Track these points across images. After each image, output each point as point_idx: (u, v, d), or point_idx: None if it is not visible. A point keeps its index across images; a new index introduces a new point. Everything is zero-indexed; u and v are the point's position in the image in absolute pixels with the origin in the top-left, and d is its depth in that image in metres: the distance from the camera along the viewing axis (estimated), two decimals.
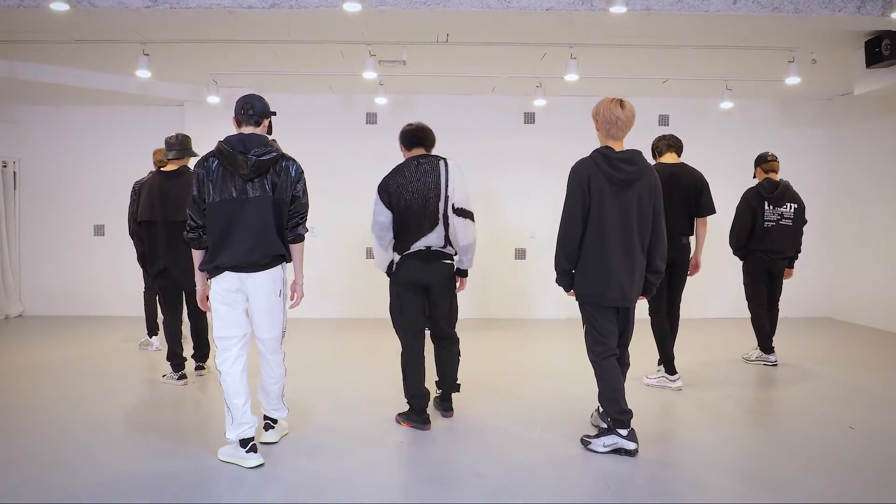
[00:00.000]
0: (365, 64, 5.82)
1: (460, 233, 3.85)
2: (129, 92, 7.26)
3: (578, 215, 3.47)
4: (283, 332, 3.58)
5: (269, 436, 3.66)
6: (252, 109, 3.36)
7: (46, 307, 8.22)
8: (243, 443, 3.33)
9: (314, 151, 7.56)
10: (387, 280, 4.04)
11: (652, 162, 4.65)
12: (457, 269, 4.01)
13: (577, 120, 7.80)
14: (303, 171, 3.45)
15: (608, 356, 3.55)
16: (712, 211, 4.86)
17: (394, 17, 5.10)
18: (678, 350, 4.95)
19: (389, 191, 3.84)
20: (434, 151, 4.06)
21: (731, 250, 5.78)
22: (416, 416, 3.95)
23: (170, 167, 4.99)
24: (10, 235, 8.13)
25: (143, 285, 6.15)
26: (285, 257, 3.46)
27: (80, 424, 4.01)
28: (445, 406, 4.17)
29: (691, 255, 4.97)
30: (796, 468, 3.42)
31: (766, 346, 5.66)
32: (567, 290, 3.64)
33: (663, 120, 8.09)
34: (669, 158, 4.94)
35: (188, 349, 5.18)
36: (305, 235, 3.52)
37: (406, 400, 4.00)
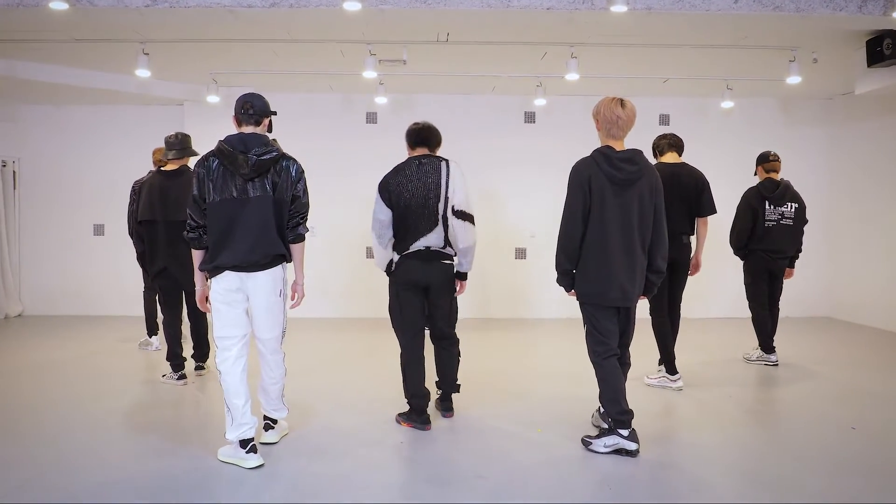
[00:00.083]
0: (365, 63, 5.81)
1: (459, 235, 3.84)
2: (129, 91, 7.25)
3: (579, 215, 3.47)
4: (283, 332, 3.57)
5: (269, 436, 3.65)
6: (252, 109, 3.36)
7: (46, 307, 8.21)
8: (243, 443, 3.32)
9: (314, 151, 7.56)
10: (387, 280, 4.03)
11: (653, 161, 4.64)
12: (456, 271, 3.99)
13: (577, 119, 7.79)
14: (303, 171, 3.44)
15: (609, 356, 3.54)
16: (713, 211, 4.85)
17: (394, 16, 5.09)
18: (679, 350, 4.94)
19: (390, 189, 3.83)
20: (437, 152, 4.04)
21: (731, 250, 5.77)
22: (416, 416, 3.94)
23: (170, 166, 4.98)
24: (10, 235, 8.12)
25: (143, 285, 6.14)
26: (286, 257, 3.45)
27: (80, 424, 4.00)
28: (446, 406, 4.16)
29: (692, 255, 4.96)
30: (798, 468, 3.41)
31: (767, 345, 5.65)
32: (568, 290, 3.63)
33: (664, 119, 8.08)
34: (670, 158, 4.93)
35: (188, 349, 5.18)
36: (306, 235, 3.51)
37: (406, 400, 3.99)
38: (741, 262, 5.78)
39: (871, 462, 3.50)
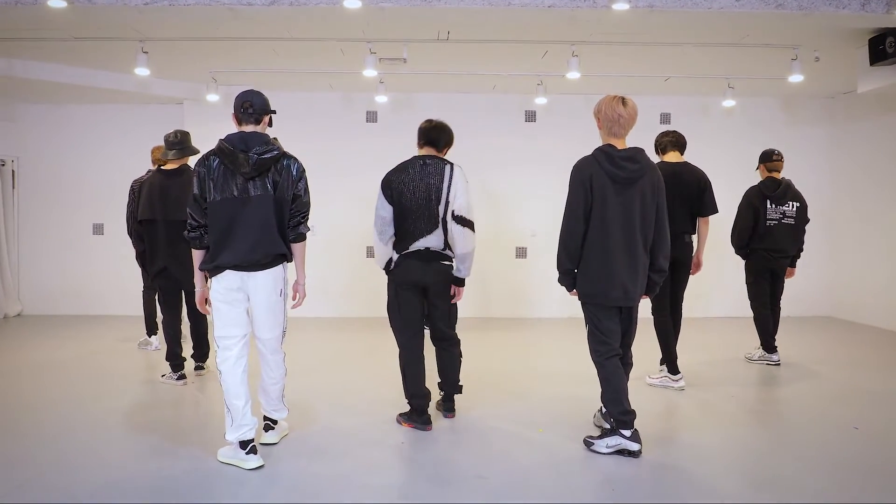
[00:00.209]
0: (365, 62, 5.79)
1: (458, 241, 3.81)
2: (129, 90, 7.23)
3: (580, 214, 3.45)
4: (283, 332, 3.55)
5: (269, 437, 3.63)
6: (252, 107, 3.33)
7: (45, 306, 8.19)
8: (243, 444, 3.30)
9: (314, 150, 7.53)
10: (387, 279, 4.01)
11: (656, 159, 4.62)
12: (453, 276, 3.94)
13: (578, 118, 7.77)
14: (304, 170, 3.42)
15: (611, 356, 3.52)
16: (715, 210, 4.83)
17: (394, 15, 5.07)
18: (680, 349, 4.92)
19: (392, 186, 3.81)
20: (447, 152, 4.01)
21: (731, 249, 5.75)
22: (416, 416, 3.92)
23: (170, 166, 4.96)
24: (9, 234, 8.11)
25: (142, 284, 6.12)
26: (287, 256, 3.43)
27: (80, 424, 3.99)
28: (447, 407, 4.14)
29: (693, 254, 4.94)
30: (799, 468, 3.39)
31: (768, 345, 5.64)
32: (569, 290, 3.61)
33: (665, 118, 8.06)
34: (672, 157, 4.91)
35: (188, 349, 5.16)
36: (307, 234, 3.49)
37: (406, 400, 3.97)
38: (742, 262, 5.76)
39: (873, 462, 3.48)
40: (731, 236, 5.67)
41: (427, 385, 3.97)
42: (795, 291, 7.11)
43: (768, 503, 3.00)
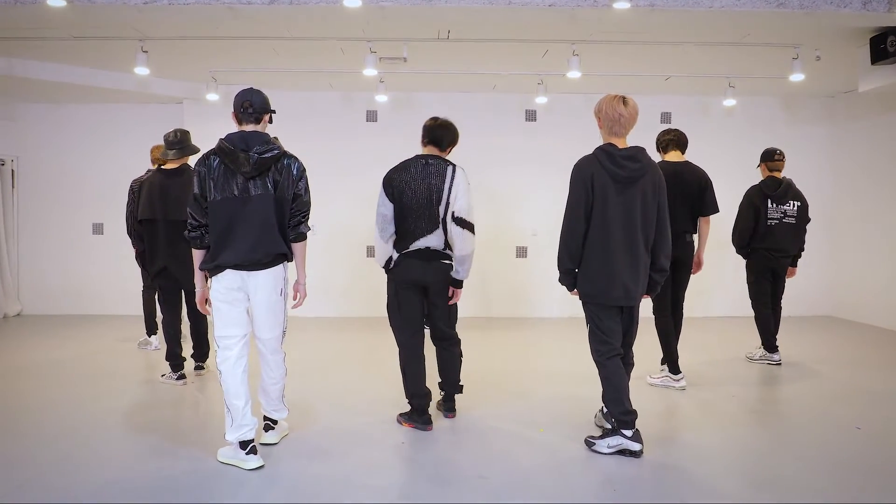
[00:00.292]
0: (365, 61, 5.78)
1: (457, 243, 3.80)
2: (128, 89, 7.22)
3: (581, 213, 3.44)
4: (283, 331, 3.54)
5: (270, 437, 3.62)
6: (252, 107, 3.32)
7: (45, 306, 8.18)
8: (243, 444, 3.29)
9: (314, 149, 7.52)
10: (387, 278, 4.00)
11: (657, 158, 4.60)
12: (452, 277, 3.91)
13: (578, 117, 7.76)
14: (304, 169, 3.41)
15: (612, 356, 3.51)
16: (716, 210, 4.82)
17: (395, 14, 5.06)
18: (681, 349, 4.91)
19: (393, 185, 3.80)
20: (450, 151, 3.99)
21: (732, 248, 5.74)
22: (417, 416, 3.91)
23: (170, 165, 4.94)
24: (9, 234, 8.09)
25: (142, 284, 6.11)
26: (287, 256, 3.42)
27: (80, 424, 3.98)
28: (448, 407, 4.13)
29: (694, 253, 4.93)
30: (801, 468, 3.38)
31: (769, 344, 5.63)
32: (570, 290, 3.60)
33: (665, 117, 8.04)
34: (673, 156, 4.90)
35: (188, 349, 5.14)
36: (307, 234, 3.48)
37: (407, 400, 3.96)
38: (742, 261, 5.76)
39: (874, 462, 3.47)
40: (732, 236, 5.66)
41: (427, 385, 3.96)
42: (796, 291, 7.10)
43: (769, 503, 2.98)
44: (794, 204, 5.53)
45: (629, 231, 3.43)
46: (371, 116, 8.08)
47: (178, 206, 4.67)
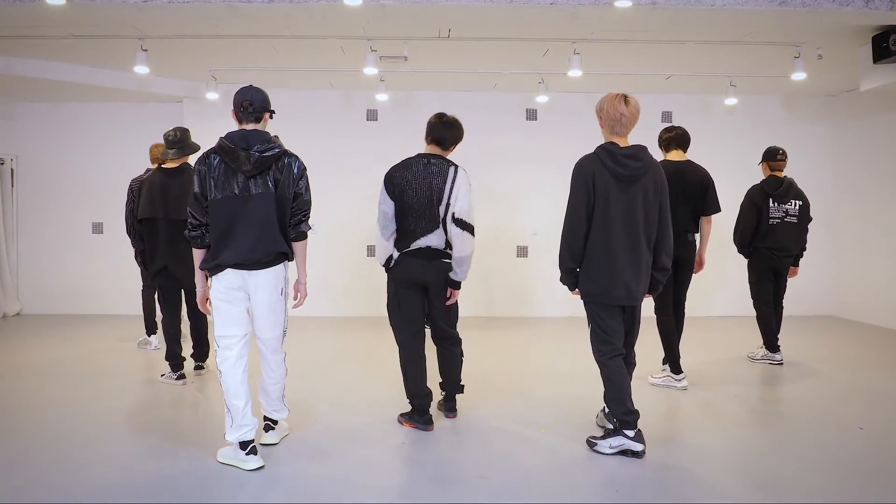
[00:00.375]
0: (366, 60, 5.76)
1: (456, 243, 3.77)
2: (128, 88, 7.20)
3: (583, 212, 3.42)
4: (284, 331, 3.52)
5: (270, 437, 3.61)
6: (252, 106, 3.30)
7: (44, 305, 8.16)
8: (243, 445, 3.28)
9: (314, 148, 7.49)
10: (387, 278, 3.98)
11: (659, 155, 4.59)
12: (450, 278, 3.88)
13: (579, 116, 7.74)
14: (305, 168, 3.39)
15: (614, 356, 3.49)
16: (718, 209, 4.80)
17: (395, 12, 5.04)
18: (682, 349, 4.89)
19: (394, 182, 3.78)
20: (454, 149, 3.97)
21: (733, 247, 5.73)
22: (418, 416, 3.90)
23: (170, 164, 4.92)
24: (8, 233, 8.07)
25: (142, 284, 6.09)
26: (288, 255, 3.40)
27: (79, 424, 3.96)
28: (449, 407, 4.11)
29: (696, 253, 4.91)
30: (803, 468, 3.37)
31: (771, 344, 5.61)
32: (572, 289, 3.58)
33: (666, 116, 8.02)
34: (675, 155, 4.88)
35: (187, 348, 5.12)
36: (308, 233, 3.46)
37: (408, 400, 3.94)
38: (743, 260, 5.74)
39: (876, 462, 3.46)
40: (734, 235, 5.64)
41: (428, 385, 3.94)
42: (798, 290, 7.09)
43: (772, 503, 2.98)
44: (795, 203, 5.51)
45: (631, 230, 3.41)
46: (371, 115, 8.06)
47: (179, 206, 4.65)
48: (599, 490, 3.13)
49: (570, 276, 3.54)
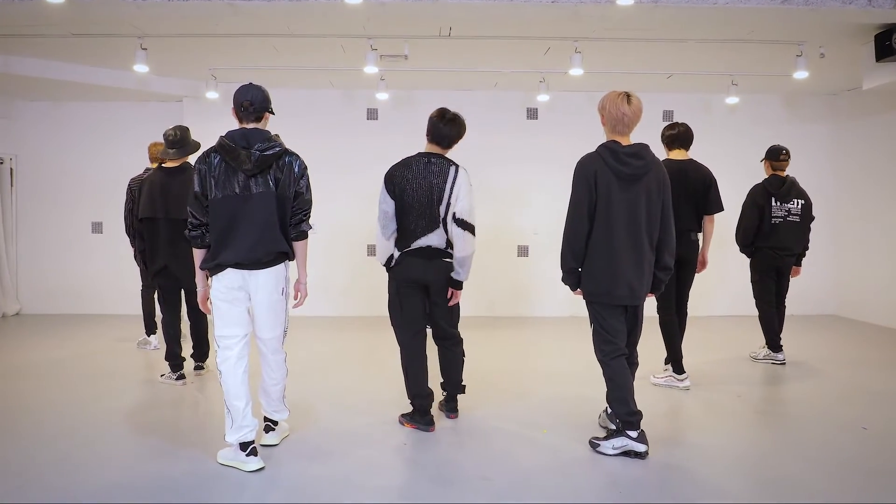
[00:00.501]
0: (366, 58, 5.74)
1: (457, 244, 3.75)
2: (128, 88, 7.18)
3: (584, 211, 3.39)
4: (284, 331, 3.50)
5: (270, 438, 3.59)
6: (252, 106, 3.27)
7: (44, 305, 8.14)
8: (243, 446, 3.26)
9: (314, 147, 7.44)
10: (387, 277, 3.95)
11: (661, 155, 4.56)
12: (451, 278, 3.85)
13: (580, 115, 7.73)
14: (306, 167, 3.37)
15: (617, 356, 3.46)
16: (720, 208, 4.77)
17: (395, 10, 5.01)
18: (684, 348, 4.87)
19: (395, 181, 3.76)
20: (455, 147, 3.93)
21: (734, 246, 5.71)
22: (419, 416, 3.88)
23: (171, 163, 4.89)
24: (7, 233, 8.05)
25: (141, 283, 6.06)
26: (289, 255, 3.38)
27: (79, 425, 3.94)
28: (450, 407, 4.09)
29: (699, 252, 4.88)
30: (806, 468, 3.35)
31: (774, 344, 5.59)
32: (573, 289, 3.56)
33: (667, 115, 8.00)
34: (678, 154, 4.86)
35: (187, 348, 5.10)
36: (309, 233, 3.43)
37: (409, 400, 3.92)
38: (745, 259, 5.72)
39: (879, 462, 3.44)
40: (736, 234, 5.62)
41: (429, 385, 3.92)
42: (800, 290, 7.06)
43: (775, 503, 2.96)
44: (797, 202, 5.49)
45: (633, 229, 3.39)
46: (372, 114, 8.03)
47: (179, 205, 4.63)
48: (602, 491, 3.11)
49: (572, 275, 3.52)
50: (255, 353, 3.44)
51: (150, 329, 6.09)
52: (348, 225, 7.86)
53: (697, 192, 4.72)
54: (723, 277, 7.72)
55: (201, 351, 5.11)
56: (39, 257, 8.18)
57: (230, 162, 3.21)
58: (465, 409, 4.18)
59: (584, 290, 3.52)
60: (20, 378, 5.11)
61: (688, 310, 4.91)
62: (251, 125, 3.29)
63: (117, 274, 7.88)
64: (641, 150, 3.43)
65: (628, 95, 3.43)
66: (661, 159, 4.15)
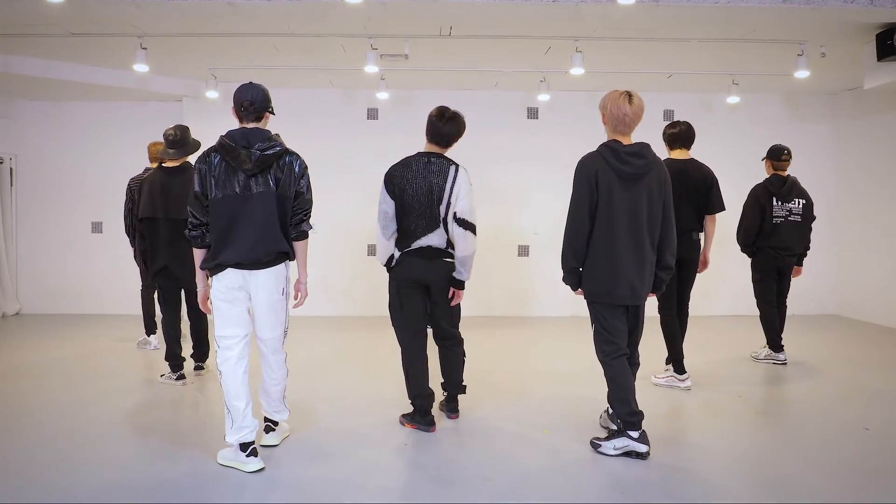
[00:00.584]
0: (366, 58, 5.73)
1: (459, 243, 3.73)
2: (127, 87, 7.17)
3: (585, 211, 3.38)
4: (285, 331, 3.48)
5: (270, 438, 3.57)
6: (252, 106, 3.26)
7: (44, 305, 8.13)
8: (243, 447, 3.24)
9: (314, 147, 7.43)
10: (388, 277, 3.94)
11: (663, 154, 4.55)
12: (453, 278, 3.83)
13: (580, 115, 7.72)
14: (307, 167, 3.36)
15: (618, 356, 3.45)
16: (722, 208, 4.76)
17: (396, 10, 5.01)
18: (685, 348, 4.85)
19: (394, 181, 3.75)
20: (454, 145, 3.92)
21: (733, 246, 5.70)
22: (420, 417, 3.86)
23: (171, 163, 4.88)
24: (7, 232, 8.04)
25: (141, 283, 6.05)
26: (289, 255, 3.37)
27: (79, 425, 3.93)
28: (451, 407, 4.08)
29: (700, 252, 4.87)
30: (808, 468, 3.34)
31: (775, 344, 5.58)
32: (574, 289, 3.55)
33: (668, 115, 7.99)
34: (679, 154, 4.85)
35: (187, 348, 5.09)
36: (309, 232, 3.42)
37: (410, 401, 3.91)
38: (745, 259, 5.71)
39: (880, 462, 3.43)
40: (737, 234, 5.61)
41: (430, 385, 3.91)
42: (801, 289, 7.05)
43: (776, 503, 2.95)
44: (799, 202, 5.48)
45: (635, 228, 3.38)
46: (372, 114, 8.02)
47: (179, 205, 4.62)
48: (604, 491, 3.10)
49: (573, 275, 3.51)
50: (256, 353, 3.43)
51: (150, 329, 6.08)
52: (348, 225, 7.85)
53: (699, 191, 4.71)
54: (724, 277, 7.71)
55: (201, 351, 5.10)
56: (39, 257, 8.17)
57: (230, 161, 3.19)
58: (465, 410, 4.17)
59: (585, 290, 3.51)
60: (20, 378, 5.10)
61: (689, 310, 4.90)
62: (251, 125, 3.28)
63: (117, 274, 7.87)
64: (643, 149, 3.42)
65: (630, 95, 3.41)
66: (663, 159, 4.15)
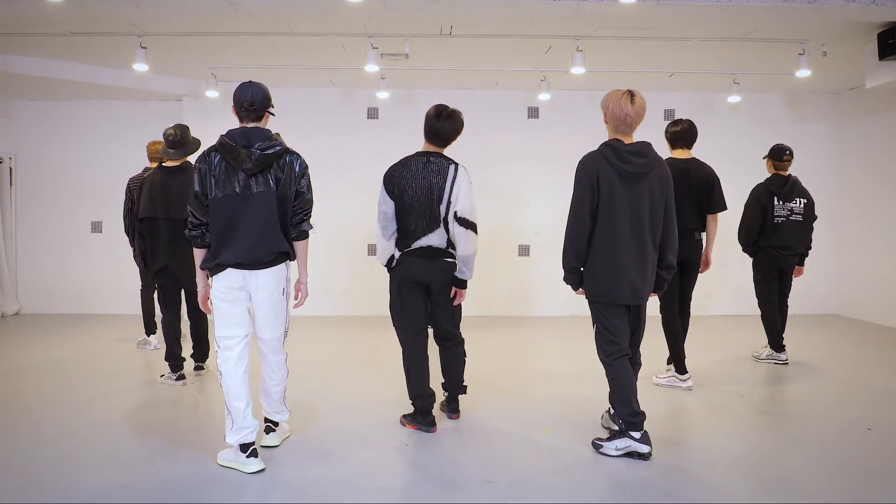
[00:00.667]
0: (367, 57, 5.72)
1: (460, 243, 3.72)
2: (127, 87, 7.16)
3: (587, 210, 3.37)
4: (285, 331, 3.47)
5: (271, 439, 3.56)
6: (252, 105, 3.24)
7: (43, 305, 8.12)
8: (244, 447, 3.23)
9: (314, 146, 7.41)
10: (388, 277, 3.93)
11: (665, 153, 4.54)
12: (455, 277, 3.82)
13: (581, 114, 7.71)
14: (307, 166, 3.35)
15: (620, 356, 3.44)
16: (724, 207, 4.75)
17: (396, 9, 5.00)
18: (687, 348, 4.84)
19: (394, 182, 3.73)
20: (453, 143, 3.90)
21: (734, 246, 5.69)
22: (420, 417, 3.85)
23: (171, 163, 4.86)
24: (7, 232, 8.03)
25: (141, 283, 6.04)
26: (289, 255, 3.36)
27: (79, 425, 3.92)
28: (452, 408, 4.07)
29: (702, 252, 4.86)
30: (810, 468, 3.33)
31: (776, 344, 5.56)
32: (576, 289, 3.54)
33: (668, 114, 7.97)
34: (680, 153, 4.83)
35: (187, 348, 5.08)
36: (309, 232, 3.41)
37: (410, 401, 3.90)
38: (746, 259, 5.70)
39: (882, 461, 3.42)
40: (739, 234, 5.60)
41: (430, 385, 3.89)
42: (802, 289, 7.04)
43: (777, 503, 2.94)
44: (800, 201, 5.47)
45: (636, 228, 3.37)
46: (372, 113, 8.01)
47: (180, 204, 4.60)
48: (606, 492, 3.09)
49: (574, 275, 3.50)
50: (256, 353, 3.42)
51: (150, 329, 6.07)
52: (348, 224, 7.84)
53: (700, 191, 4.70)
54: (725, 277, 7.70)
55: (201, 351, 5.09)
56: (39, 257, 8.16)
57: (231, 161, 3.18)
58: (466, 410, 4.16)
59: (586, 290, 3.49)
60: (20, 378, 5.09)
61: (690, 310, 4.89)
62: (252, 124, 3.26)
63: (117, 274, 7.86)
64: (644, 148, 3.40)
65: (632, 94, 3.38)
66: (664, 158, 4.14)
